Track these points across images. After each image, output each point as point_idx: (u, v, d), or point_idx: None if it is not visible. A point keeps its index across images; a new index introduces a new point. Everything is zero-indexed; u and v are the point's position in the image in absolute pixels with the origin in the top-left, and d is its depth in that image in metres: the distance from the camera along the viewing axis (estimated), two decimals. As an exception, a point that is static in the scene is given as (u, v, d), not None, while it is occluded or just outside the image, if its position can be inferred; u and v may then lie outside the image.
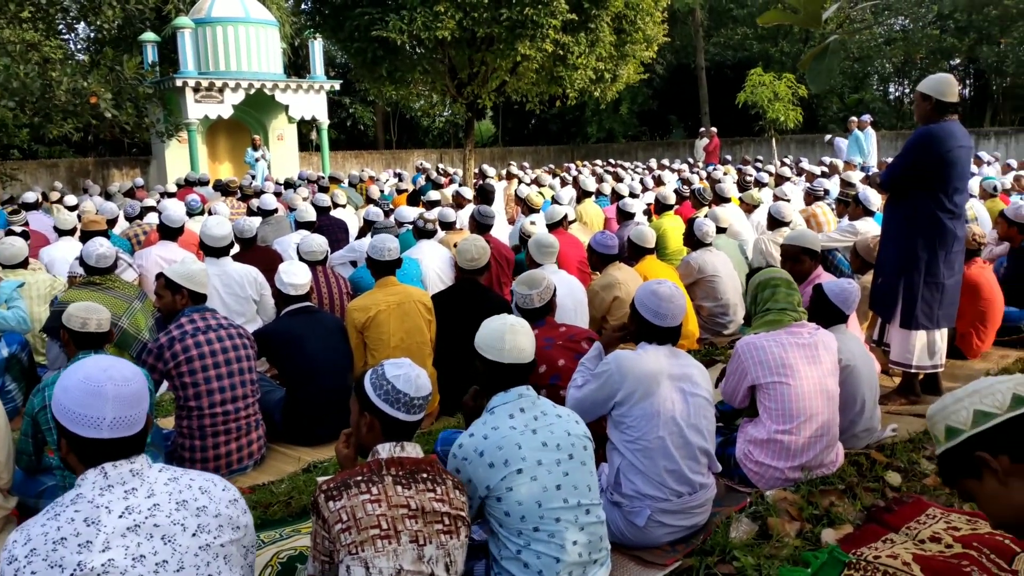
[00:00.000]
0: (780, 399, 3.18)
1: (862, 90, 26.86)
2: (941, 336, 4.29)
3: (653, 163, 16.60)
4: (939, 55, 25.46)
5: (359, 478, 2.03)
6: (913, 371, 4.28)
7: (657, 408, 2.75)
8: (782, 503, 3.01)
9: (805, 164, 13.31)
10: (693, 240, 5.88)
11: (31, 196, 10.32)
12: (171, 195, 11.20)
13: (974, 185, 9.48)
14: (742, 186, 11.82)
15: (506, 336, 2.45)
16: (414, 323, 4.16)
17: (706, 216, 6.45)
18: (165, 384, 3.59)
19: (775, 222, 6.41)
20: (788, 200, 8.58)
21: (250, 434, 3.60)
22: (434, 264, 5.79)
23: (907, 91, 29.55)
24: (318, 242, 5.26)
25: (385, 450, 2.14)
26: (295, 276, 4.02)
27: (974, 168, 12.02)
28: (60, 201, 10.59)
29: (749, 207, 8.35)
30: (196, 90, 15.63)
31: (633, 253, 5.60)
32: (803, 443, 3.18)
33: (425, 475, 2.11)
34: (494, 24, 10.57)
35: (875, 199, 6.59)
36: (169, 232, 6.19)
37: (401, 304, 4.15)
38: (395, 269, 4.32)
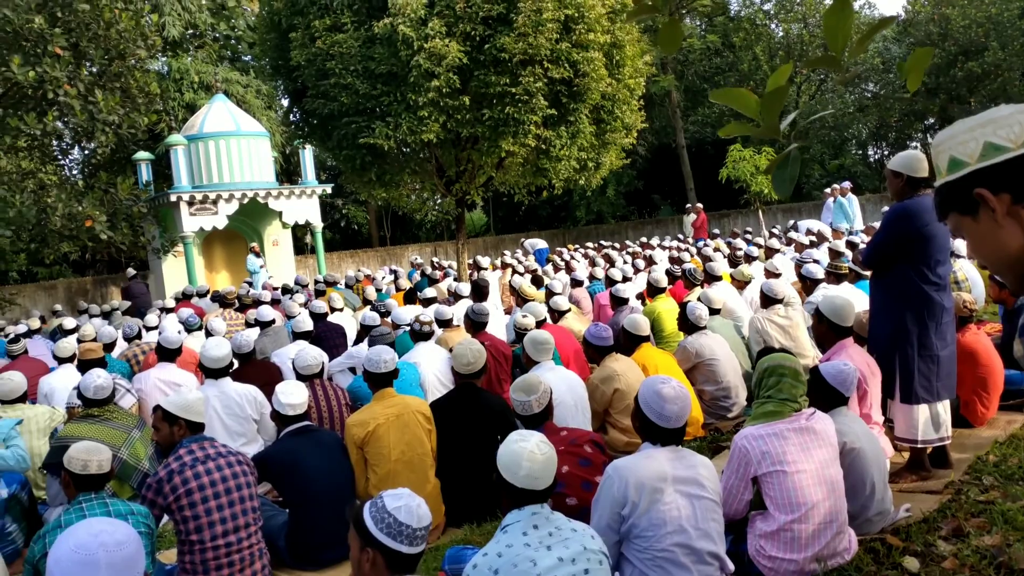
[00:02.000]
0: (783, 488, 3.15)
1: (841, 155, 27.50)
2: (944, 408, 4.28)
3: (643, 241, 16.82)
4: (912, 117, 26.18)
5: (364, 618, 2.00)
6: (920, 446, 4.24)
7: (663, 516, 2.72)
8: (800, 600, 2.94)
9: (793, 235, 13.50)
10: (687, 325, 5.91)
11: (35, 322, 10.39)
12: (170, 310, 11.30)
13: (961, 246, 9.61)
14: (733, 261, 11.97)
15: (523, 463, 2.43)
16: (414, 435, 4.14)
17: (698, 299, 6.50)
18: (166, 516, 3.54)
19: (768, 300, 6.46)
20: (779, 274, 8.67)
21: (254, 564, 3.53)
22: (433, 367, 5.79)
23: (886, 153, 30.25)
24: (313, 355, 5.29)
25: (389, 586, 2.10)
26: (292, 396, 4.02)
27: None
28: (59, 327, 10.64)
29: (741, 284, 8.42)
30: (191, 203, 15.94)
31: (628, 342, 5.62)
32: (812, 531, 3.14)
33: (431, 609, 2.08)
34: (477, 124, 10.90)
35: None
36: (167, 353, 6.21)
37: (400, 416, 4.14)
38: (392, 380, 4.32)
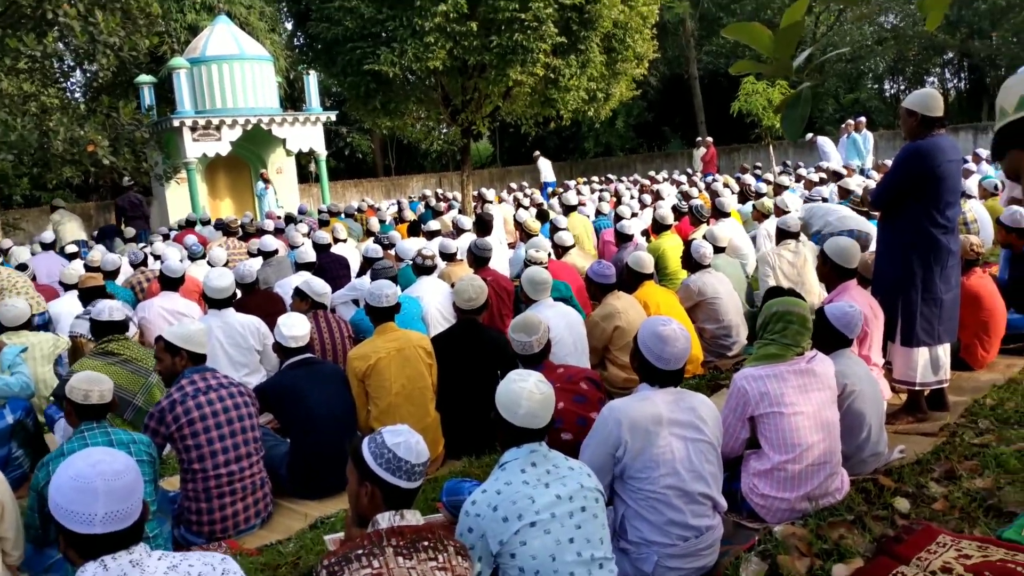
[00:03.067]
0: (779, 429, 3.17)
1: (857, 90, 26.88)
2: (944, 351, 4.27)
3: (651, 176, 16.63)
4: (931, 51, 25.50)
5: (360, 551, 2.03)
6: (918, 388, 4.25)
7: (657, 459, 2.74)
8: (791, 539, 2.99)
9: (803, 171, 13.31)
10: (691, 263, 5.87)
11: (48, 236, 10.36)
12: (166, 236, 11.34)
13: (972, 185, 9.46)
14: (744, 196, 11.84)
15: (522, 401, 2.45)
16: (415, 369, 4.16)
17: (704, 236, 6.45)
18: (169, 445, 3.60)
19: (783, 234, 6.40)
20: (788, 211, 8.58)
21: (255, 493, 3.60)
22: (435, 301, 5.80)
23: (902, 88, 29.57)
24: (321, 285, 5.29)
25: (385, 520, 2.13)
26: (294, 328, 4.03)
27: (972, 166, 12.00)
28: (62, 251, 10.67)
29: (761, 215, 8.30)
30: (194, 129, 15.74)
31: (632, 279, 5.60)
32: (805, 471, 3.17)
33: (426, 543, 2.11)
34: (484, 52, 10.65)
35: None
36: (170, 283, 6.22)
37: (401, 350, 4.15)
38: (394, 315, 4.33)
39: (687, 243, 6.08)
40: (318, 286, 5.28)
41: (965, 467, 3.53)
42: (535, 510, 2.33)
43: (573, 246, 7.43)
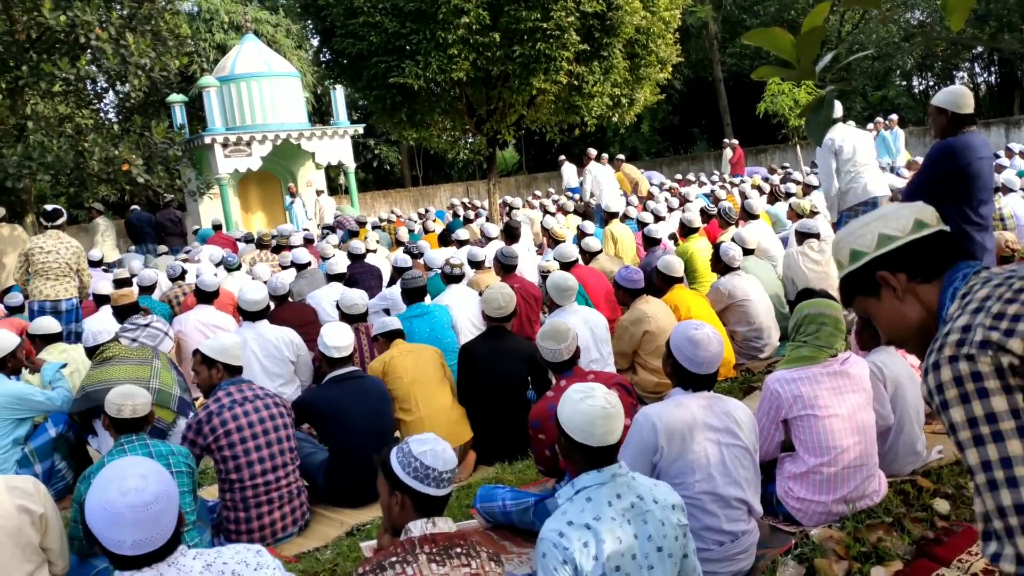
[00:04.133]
0: (814, 432, 3.15)
1: (885, 87, 26.53)
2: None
3: (678, 178, 16.55)
4: (960, 46, 25.11)
5: (394, 559, 2.06)
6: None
7: (692, 464, 2.73)
8: (828, 542, 2.96)
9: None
10: (721, 265, 5.85)
11: (96, 254, 10.47)
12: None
13: (1008, 180, 9.29)
14: (774, 197, 11.74)
15: (597, 420, 2.27)
16: (427, 363, 4.46)
17: (732, 239, 6.42)
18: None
19: (802, 236, 6.36)
20: (818, 212, 8.49)
21: (292, 501, 3.65)
22: (465, 311, 5.83)
23: (931, 84, 29.13)
24: (359, 295, 5.34)
25: (417, 527, 2.16)
26: (337, 338, 4.07)
27: (1005, 161, 11.79)
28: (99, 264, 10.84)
29: (796, 215, 8.25)
30: (225, 146, 16.03)
31: (662, 283, 5.59)
32: (841, 474, 3.14)
33: (459, 550, 2.13)
34: (507, 61, 10.70)
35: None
36: (205, 296, 6.33)
37: (413, 351, 4.49)
38: (401, 335, 4.62)
39: (715, 246, 6.05)
40: (348, 299, 5.31)
41: (1005, 467, 3.46)
42: (620, 552, 2.17)
43: (600, 251, 7.43)
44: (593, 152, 13.26)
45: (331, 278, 7.01)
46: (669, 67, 12.73)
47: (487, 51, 10.53)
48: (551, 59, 10.42)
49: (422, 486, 2.16)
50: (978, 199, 4.02)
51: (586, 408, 2.28)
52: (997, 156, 11.95)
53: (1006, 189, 8.58)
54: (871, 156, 6.14)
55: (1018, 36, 22.48)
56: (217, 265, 8.98)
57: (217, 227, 13.00)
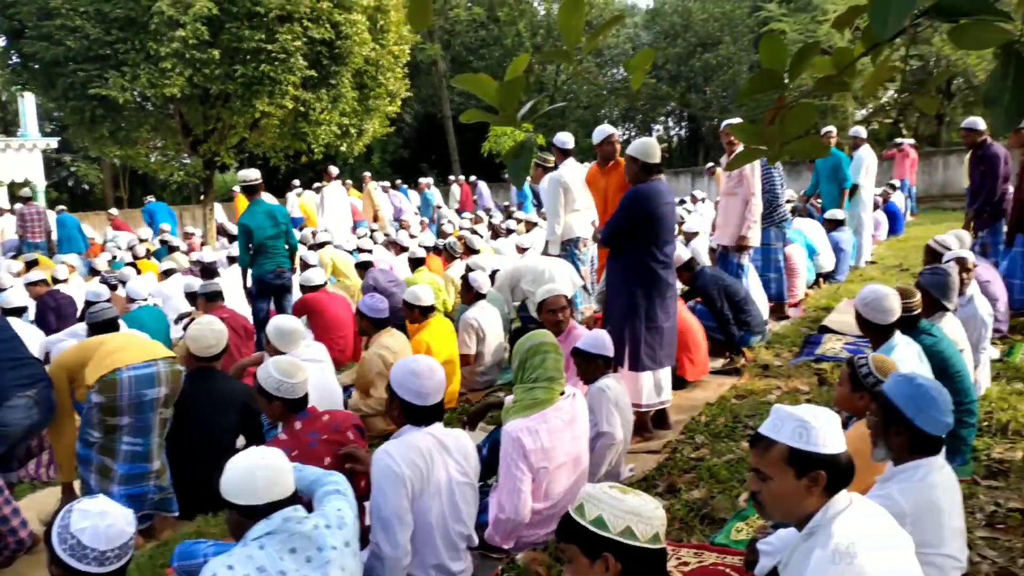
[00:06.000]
0: (542, 484, 3.23)
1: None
2: (665, 374, 4.70)
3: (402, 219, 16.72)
4: (657, 101, 28.50)
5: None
6: (644, 409, 4.64)
7: (428, 503, 2.74)
8: (532, 564, 3.10)
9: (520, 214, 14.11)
10: (471, 293, 5.91)
11: None
12: None
13: (691, 223, 10.61)
14: (496, 233, 12.32)
15: (258, 474, 2.17)
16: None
17: (472, 272, 6.43)
18: None
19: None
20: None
21: None
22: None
23: (633, 133, 32.71)
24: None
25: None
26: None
27: (690, 206, 13.51)
28: None
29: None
30: None
31: (418, 314, 5.48)
32: (558, 513, 3.25)
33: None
34: (228, 81, 10.20)
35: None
36: None
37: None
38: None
39: (464, 277, 6.07)
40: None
41: (684, 480, 3.89)
42: None
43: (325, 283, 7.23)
44: (334, 171, 12.51)
45: (6, 312, 6.04)
46: (399, 100, 12.96)
47: (205, 68, 9.95)
48: (276, 82, 10.13)
49: (81, 565, 1.90)
50: (663, 239, 4.51)
51: (243, 464, 2.22)
52: (683, 201, 13.66)
53: (688, 236, 9.65)
54: (588, 198, 6.70)
55: (702, 96, 26.06)
56: None
57: None
